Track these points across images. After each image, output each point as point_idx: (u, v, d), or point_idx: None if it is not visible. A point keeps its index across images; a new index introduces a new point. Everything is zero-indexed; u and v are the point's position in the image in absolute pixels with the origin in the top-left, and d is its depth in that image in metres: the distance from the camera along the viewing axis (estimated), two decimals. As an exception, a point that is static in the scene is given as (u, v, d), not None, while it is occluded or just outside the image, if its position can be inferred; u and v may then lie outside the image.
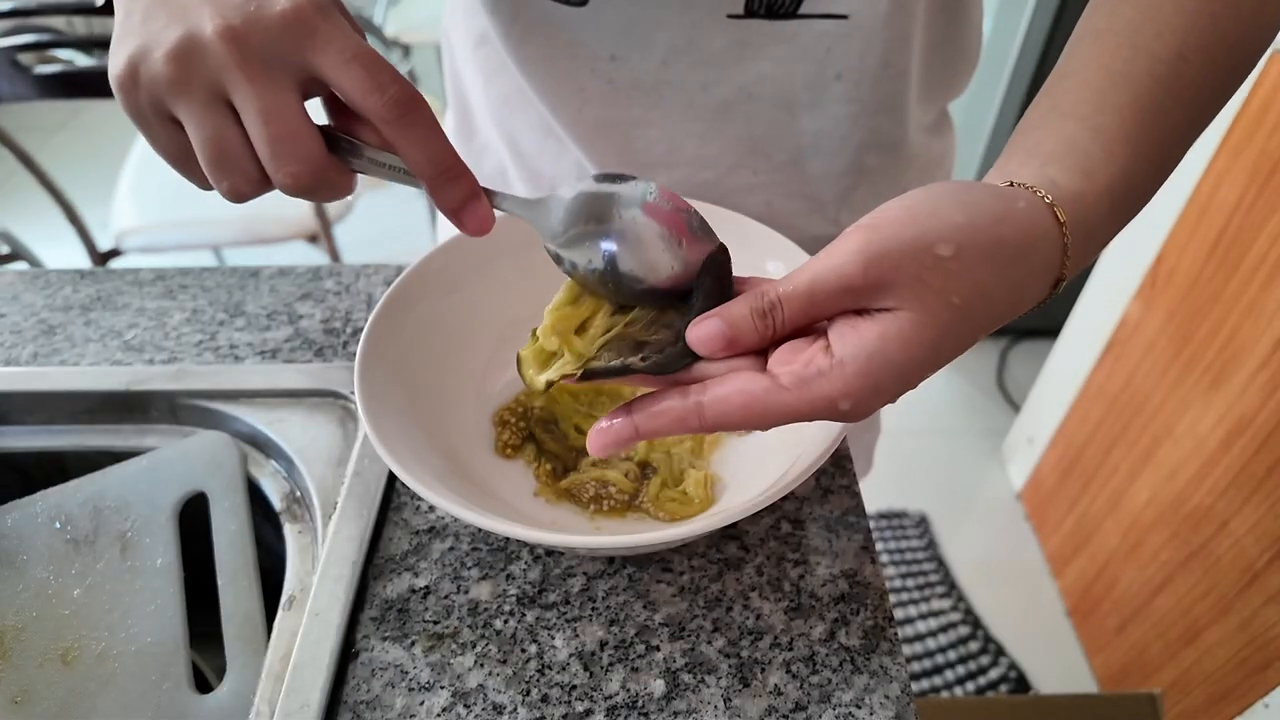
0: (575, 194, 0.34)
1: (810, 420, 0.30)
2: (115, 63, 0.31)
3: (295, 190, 0.32)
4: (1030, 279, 0.30)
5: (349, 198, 1.58)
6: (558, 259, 0.35)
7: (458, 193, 0.33)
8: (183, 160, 0.33)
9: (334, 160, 0.32)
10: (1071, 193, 0.31)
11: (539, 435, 0.49)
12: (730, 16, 0.48)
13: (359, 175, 0.34)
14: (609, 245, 0.34)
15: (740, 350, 0.31)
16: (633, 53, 0.50)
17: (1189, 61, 0.33)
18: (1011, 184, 0.31)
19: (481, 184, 0.34)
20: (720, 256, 0.34)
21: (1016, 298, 0.30)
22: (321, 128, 0.33)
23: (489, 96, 0.60)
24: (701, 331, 0.31)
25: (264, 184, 0.33)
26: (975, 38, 0.57)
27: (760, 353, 0.32)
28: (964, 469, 1.63)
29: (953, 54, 0.55)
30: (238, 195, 0.32)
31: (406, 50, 1.98)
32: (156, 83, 0.30)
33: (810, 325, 0.31)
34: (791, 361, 0.30)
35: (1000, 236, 0.29)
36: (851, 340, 0.28)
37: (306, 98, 0.32)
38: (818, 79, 0.50)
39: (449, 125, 0.68)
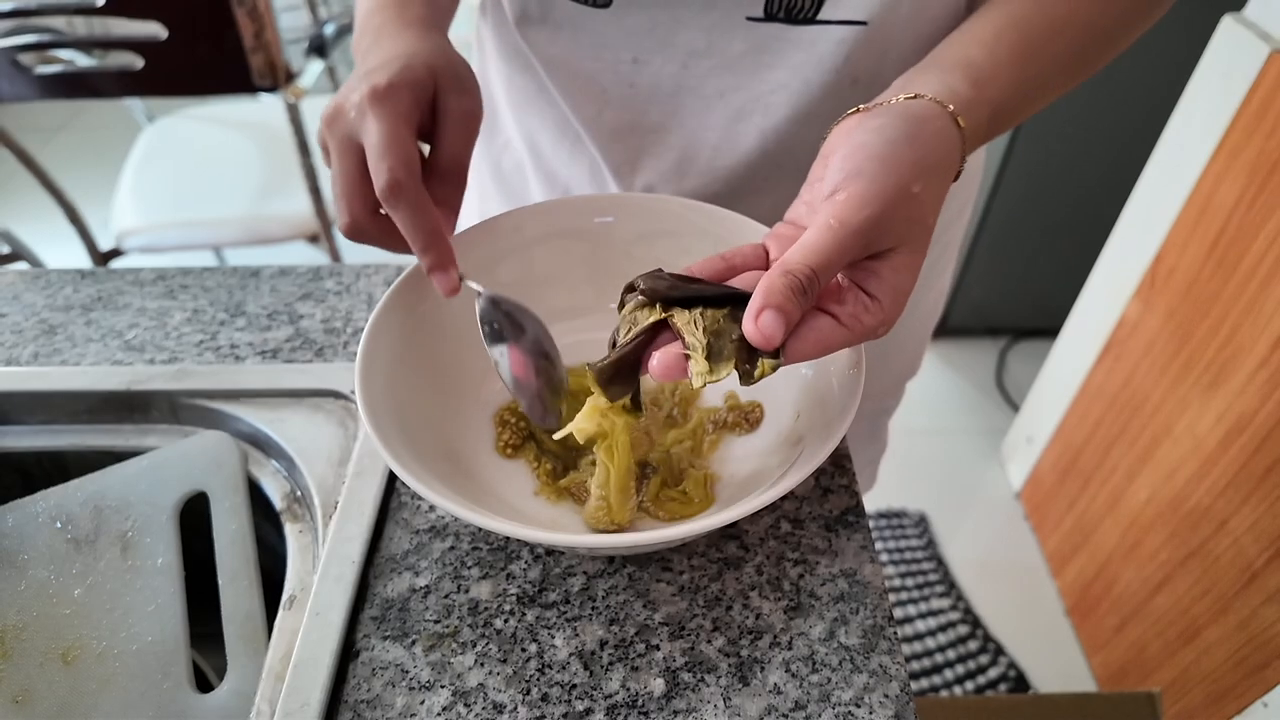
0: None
1: (855, 345, 0.36)
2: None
3: (349, 236, 0.41)
4: (950, 179, 0.38)
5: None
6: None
7: (427, 262, 0.42)
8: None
9: (382, 222, 0.41)
10: (965, 98, 0.39)
11: (539, 435, 0.49)
12: (750, 19, 0.48)
13: None
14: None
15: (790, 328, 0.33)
16: (654, 55, 0.51)
17: (1072, 26, 0.43)
18: (916, 95, 0.38)
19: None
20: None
21: (944, 195, 0.38)
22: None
23: (511, 95, 0.61)
24: (766, 329, 0.32)
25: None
26: None
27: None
28: (963, 469, 1.63)
29: None
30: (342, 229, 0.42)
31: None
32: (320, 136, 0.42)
33: None
34: (841, 303, 0.35)
35: (939, 158, 0.37)
36: (878, 282, 0.35)
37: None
38: (834, 86, 0.50)
39: None
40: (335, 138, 0.40)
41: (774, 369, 0.34)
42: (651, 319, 0.36)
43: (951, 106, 0.38)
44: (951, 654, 1.34)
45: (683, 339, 0.35)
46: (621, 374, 0.38)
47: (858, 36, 0.48)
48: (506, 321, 0.42)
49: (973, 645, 1.35)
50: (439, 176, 0.42)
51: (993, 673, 1.32)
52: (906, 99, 0.38)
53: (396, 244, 0.42)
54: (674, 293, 0.36)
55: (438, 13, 0.48)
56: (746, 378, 0.35)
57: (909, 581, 1.44)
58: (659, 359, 0.35)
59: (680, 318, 0.36)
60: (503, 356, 0.41)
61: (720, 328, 0.35)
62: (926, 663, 1.34)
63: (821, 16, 0.47)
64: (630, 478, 0.43)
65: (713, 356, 0.35)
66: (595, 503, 0.43)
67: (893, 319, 0.35)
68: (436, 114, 0.42)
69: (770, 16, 0.48)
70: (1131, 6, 0.45)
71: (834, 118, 0.53)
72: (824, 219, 0.34)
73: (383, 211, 0.41)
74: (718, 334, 0.35)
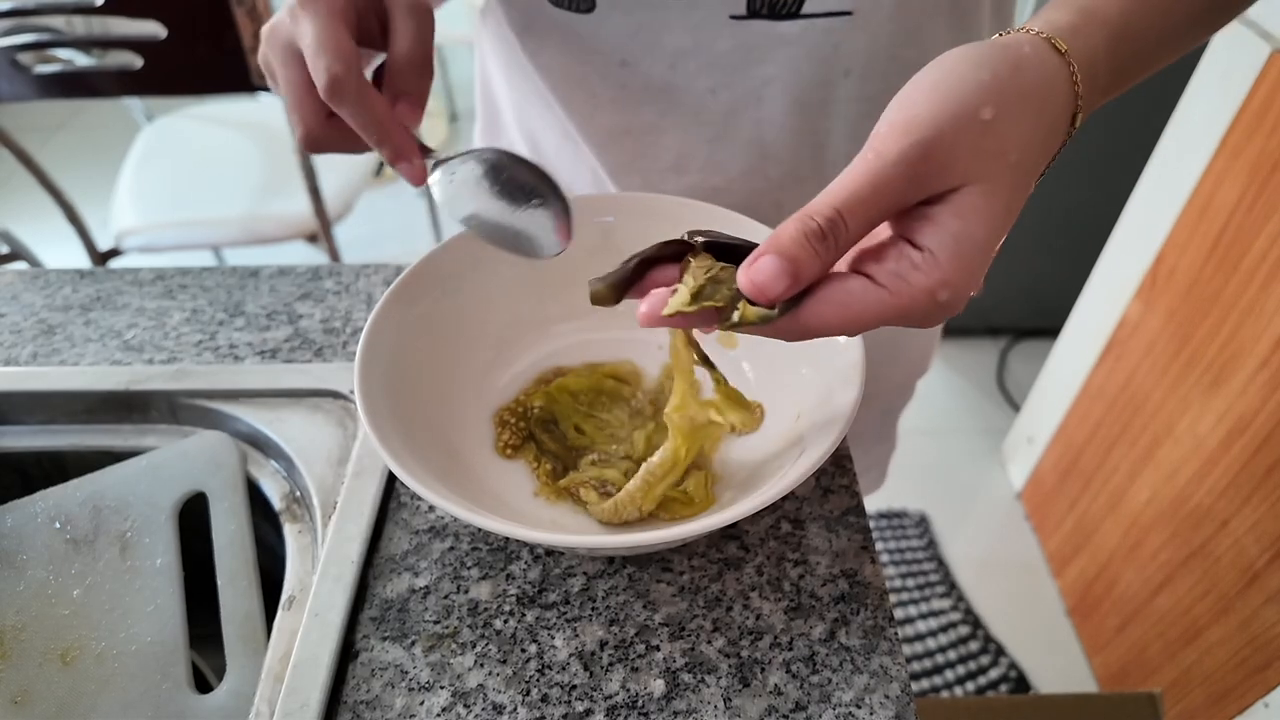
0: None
1: (906, 321, 0.29)
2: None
3: (307, 148, 0.40)
4: (1056, 118, 0.31)
5: (348, 199, 1.56)
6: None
7: (386, 154, 0.39)
8: None
9: (337, 125, 0.39)
10: (1067, 25, 0.32)
11: (539, 435, 0.49)
12: (733, 18, 0.48)
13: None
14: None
15: (803, 286, 0.28)
16: (642, 57, 0.51)
17: None
18: (1004, 34, 0.32)
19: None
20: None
21: (1051, 139, 0.31)
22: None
23: (512, 98, 0.61)
24: (758, 275, 0.27)
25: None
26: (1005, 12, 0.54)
27: None
28: (964, 469, 1.63)
29: (967, 39, 0.53)
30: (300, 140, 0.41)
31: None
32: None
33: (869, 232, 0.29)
34: (880, 260, 0.28)
35: (1024, 84, 0.29)
36: (932, 230, 0.28)
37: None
38: (826, 77, 0.50)
39: (478, 123, 0.69)
40: (276, 50, 0.39)
41: (759, 319, 0.30)
42: (669, 239, 0.35)
43: (1045, 33, 0.31)
44: (952, 654, 1.34)
45: (681, 276, 0.34)
46: (618, 280, 0.36)
47: (845, 26, 0.48)
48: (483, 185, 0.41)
49: (973, 646, 1.35)
50: (398, 70, 0.40)
51: (993, 673, 1.32)
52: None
53: (356, 145, 0.41)
54: (714, 238, 0.34)
55: None
56: (724, 321, 0.31)
57: (909, 582, 1.44)
58: (646, 301, 0.33)
59: (699, 260, 0.34)
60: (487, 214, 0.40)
61: (728, 277, 0.33)
62: (927, 663, 1.34)
63: (806, 10, 0.47)
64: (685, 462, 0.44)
65: (700, 299, 0.32)
66: (644, 473, 0.43)
67: (957, 279, 0.28)
68: (386, 13, 0.40)
69: (754, 13, 0.48)
70: None
71: (829, 109, 0.53)
72: (860, 153, 0.28)
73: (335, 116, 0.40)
74: (718, 281, 0.33)
